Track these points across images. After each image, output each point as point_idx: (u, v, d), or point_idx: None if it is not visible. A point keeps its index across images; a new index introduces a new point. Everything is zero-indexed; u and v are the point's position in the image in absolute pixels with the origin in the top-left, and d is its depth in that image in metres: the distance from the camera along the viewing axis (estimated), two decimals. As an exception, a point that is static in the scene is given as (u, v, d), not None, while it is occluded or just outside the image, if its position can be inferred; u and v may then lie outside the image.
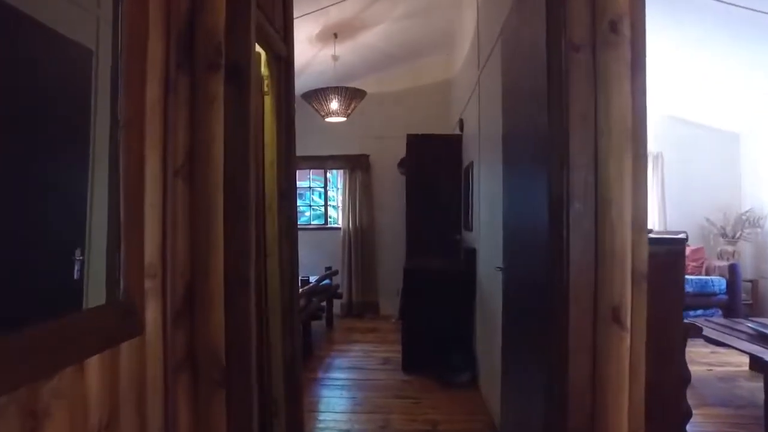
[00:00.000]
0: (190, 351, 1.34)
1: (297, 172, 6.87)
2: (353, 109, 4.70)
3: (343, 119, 4.79)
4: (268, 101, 2.58)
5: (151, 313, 1.23)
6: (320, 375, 3.99)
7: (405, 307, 4.36)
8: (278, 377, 2.59)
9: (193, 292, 1.33)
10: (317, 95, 4.41)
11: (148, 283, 1.22)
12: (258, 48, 2.49)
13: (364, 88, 4.88)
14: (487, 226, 3.55)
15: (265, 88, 2.57)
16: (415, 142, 5.33)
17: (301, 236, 6.86)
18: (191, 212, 1.33)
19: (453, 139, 5.24)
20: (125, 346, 1.13)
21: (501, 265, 2.20)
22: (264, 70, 2.58)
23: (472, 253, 4.08)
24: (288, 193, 2.68)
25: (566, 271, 1.32)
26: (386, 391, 3.65)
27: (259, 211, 2.56)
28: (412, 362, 4.13)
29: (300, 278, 4.87)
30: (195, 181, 1.33)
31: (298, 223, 7.00)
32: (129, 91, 1.11)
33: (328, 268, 5.99)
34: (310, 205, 7.18)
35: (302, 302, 4.29)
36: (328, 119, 4.72)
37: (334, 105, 4.50)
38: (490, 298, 3.27)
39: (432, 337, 4.11)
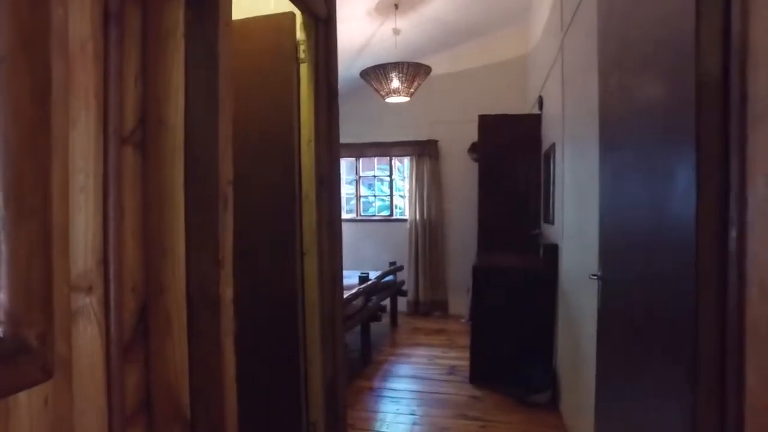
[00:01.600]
0: (147, 396, 0.95)
1: (361, 160, 6.53)
2: (417, 88, 4.21)
3: (406, 99, 4.31)
4: (304, 70, 2.16)
5: (86, 345, 0.85)
6: (377, 384, 3.59)
7: (475, 310, 3.84)
8: (317, 397, 2.19)
9: (148, 314, 0.94)
10: (376, 73, 3.98)
11: (79, 300, 0.84)
12: (290, 6, 2.09)
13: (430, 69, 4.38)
14: (572, 218, 2.94)
15: (301, 54, 2.16)
16: (487, 123, 4.74)
17: (366, 229, 6.53)
18: (145, 200, 0.93)
19: (531, 119, 4.60)
20: (23, 399, 0.75)
21: (597, 273, 1.64)
22: (299, 33, 2.18)
23: (553, 250, 3.47)
24: (329, 180, 2.27)
25: (738, 293, 0.78)
26: (451, 409, 3.17)
27: (295, 201, 2.17)
28: (482, 374, 3.61)
29: (359, 275, 4.51)
30: (149, 156, 0.94)
31: (364, 214, 6.67)
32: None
33: (393, 263, 5.57)
34: (375, 195, 6.80)
35: (360, 302, 3.90)
36: (390, 99, 4.27)
37: (396, 83, 4.04)
38: (577, 307, 2.67)
39: (504, 346, 3.56)
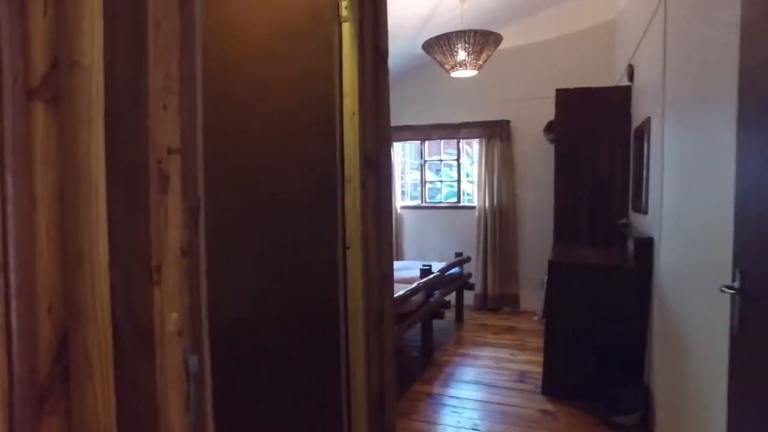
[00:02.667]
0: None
1: (427, 143, 6.15)
2: (486, 60, 3.76)
3: (473, 72, 3.87)
4: (347, 30, 1.83)
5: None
6: (436, 390, 3.24)
7: (550, 309, 3.38)
8: (361, 413, 1.89)
9: (69, 346, 0.65)
10: (440, 44, 3.57)
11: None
12: (330, -48, 1.76)
13: (502, 42, 3.90)
14: (675, 207, 2.41)
15: (343, 12, 1.83)
16: (566, 99, 4.19)
17: (431, 217, 6.13)
18: (61, 178, 0.64)
19: (618, 92, 4.00)
20: None
21: (732, 284, 1.19)
22: (342, -14, 1.84)
23: (646, 244, 2.93)
24: (377, 159, 1.93)
25: None
26: (520, 425, 2.77)
27: (336, 185, 1.85)
28: (556, 384, 3.16)
29: (421, 267, 4.17)
30: (63, 114, 0.65)
31: (429, 201, 6.29)
32: None
33: (459, 254, 5.17)
34: (441, 181, 6.39)
35: (420, 298, 3.56)
36: (455, 73, 3.85)
37: (462, 55, 3.62)
38: (686, 320, 2.17)
39: (585, 354, 3.09)
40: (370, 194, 1.89)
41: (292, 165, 1.92)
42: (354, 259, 1.87)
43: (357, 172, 1.84)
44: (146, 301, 0.66)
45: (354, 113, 1.82)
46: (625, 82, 3.93)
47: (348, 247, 1.88)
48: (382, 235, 1.96)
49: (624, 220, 3.79)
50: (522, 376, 3.46)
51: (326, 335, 1.87)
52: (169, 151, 0.71)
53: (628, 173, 3.84)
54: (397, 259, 6.00)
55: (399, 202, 6.25)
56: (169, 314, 0.70)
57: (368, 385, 1.87)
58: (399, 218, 6.22)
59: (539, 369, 3.33)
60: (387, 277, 1.98)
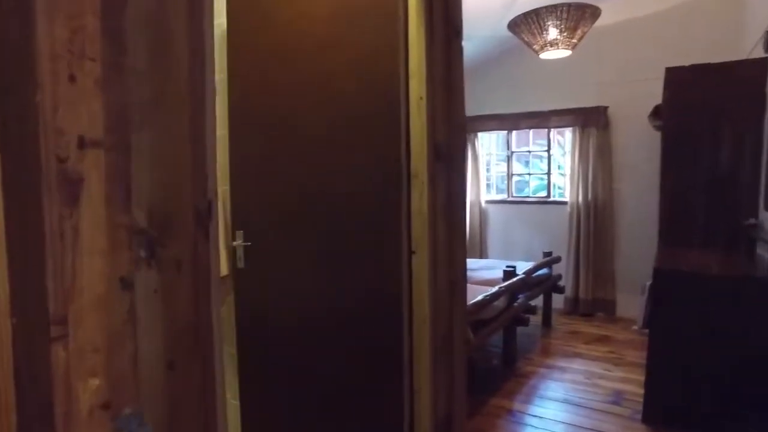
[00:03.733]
0: None
1: (514, 133, 5.72)
2: (581, 38, 3.32)
3: (566, 53, 3.44)
4: (413, 2, 1.59)
5: None
6: (517, 406, 2.92)
7: (654, 320, 2.93)
8: (426, 440, 1.66)
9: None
10: (527, 21, 3.20)
11: None
12: None
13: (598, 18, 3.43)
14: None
15: (409, -20, 1.59)
16: (679, 79, 3.62)
17: (518, 212, 5.67)
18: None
19: (748, 66, 3.37)
20: None
21: None
22: (408, -49, 1.60)
23: (785, 250, 2.40)
24: (449, 151, 1.68)
25: None
26: (617, 456, 2.39)
27: (400, 181, 1.63)
28: (662, 411, 2.72)
29: (504, 268, 3.83)
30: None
31: (517, 195, 5.87)
32: None
33: (548, 254, 4.74)
34: (530, 174, 5.93)
35: (502, 303, 3.24)
36: (545, 55, 3.45)
37: (553, 33, 3.22)
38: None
39: (700, 378, 2.62)
40: (439, 191, 1.65)
41: (351, 159, 1.72)
42: (420, 265, 1.64)
43: (424, 166, 1.60)
44: (43, 365, 0.48)
45: (421, 98, 1.58)
46: (759, 54, 3.30)
47: (414, 252, 1.65)
48: (453, 238, 1.71)
49: (753, 221, 3.19)
50: (617, 397, 3.03)
51: (387, 349, 1.66)
52: (82, 144, 0.53)
53: (759, 164, 3.22)
54: (481, 258, 5.67)
55: (484, 196, 5.89)
56: (85, 381, 0.52)
57: (434, 408, 1.64)
58: (483, 213, 5.87)
59: (639, 390, 2.89)
60: (458, 286, 1.73)
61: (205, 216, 0.85)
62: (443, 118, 1.64)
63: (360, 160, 1.69)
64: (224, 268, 2.35)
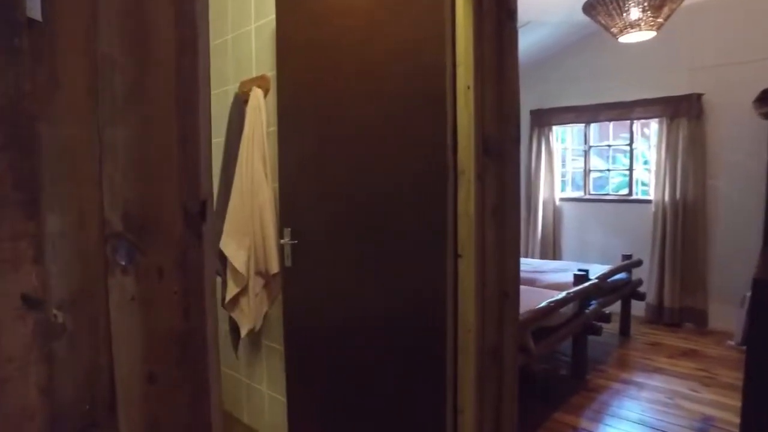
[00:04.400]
0: None
1: (592, 126, 5.32)
2: (668, 17, 2.96)
3: (651, 35, 3.09)
4: (460, -20, 1.44)
5: None
6: (584, 424, 2.67)
7: (753, 336, 2.54)
8: (471, 463, 1.52)
9: None
10: (604, 1, 2.90)
11: None
12: None
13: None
14: None
15: (456, -43, 1.45)
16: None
17: (595, 211, 5.27)
18: None
19: None
20: None
21: None
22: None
23: None
24: (499, 146, 1.53)
25: None
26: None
27: (445, 179, 1.50)
28: (762, 442, 2.36)
29: (575, 272, 3.54)
30: None
31: (594, 193, 5.46)
32: None
33: (627, 257, 4.35)
34: (610, 169, 5.49)
35: (570, 309, 2.99)
36: (624, 38, 3.11)
37: (635, 13, 2.89)
38: None
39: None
40: (488, 189, 1.50)
41: (396, 155, 1.61)
42: (467, 270, 1.49)
43: (471, 161, 1.46)
44: None
45: (469, 87, 1.44)
46: None
47: (460, 256, 1.51)
48: (505, 241, 1.55)
49: None
50: (705, 423, 2.69)
51: (430, 358, 1.54)
52: None
53: None
54: (553, 259, 5.34)
55: (558, 193, 5.55)
56: None
57: (480, 428, 1.50)
58: (557, 212, 5.53)
59: (733, 418, 2.55)
60: (510, 296, 1.57)
61: (197, 218, 0.77)
62: (493, 109, 1.48)
63: (404, 155, 1.58)
64: (275, 266, 2.34)
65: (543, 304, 2.62)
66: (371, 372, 1.77)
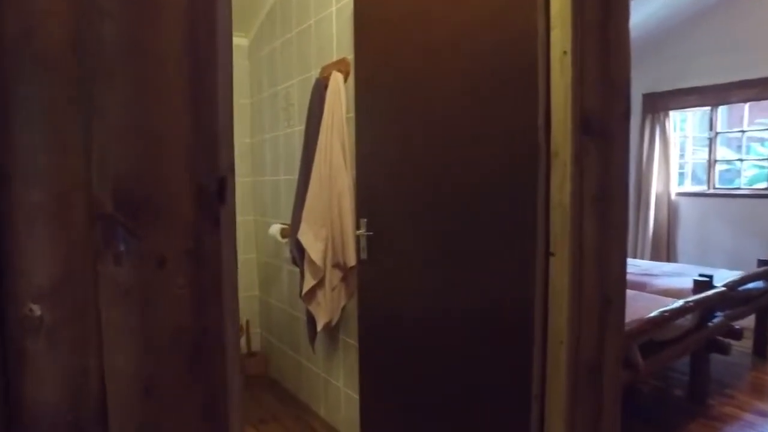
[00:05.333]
0: None
1: (720, 110, 4.62)
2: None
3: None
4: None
5: None
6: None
7: None
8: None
9: None
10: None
11: None
12: None
13: None
14: None
15: None
16: None
17: (721, 208, 4.57)
18: None
19: None
20: None
21: None
22: None
23: None
24: (603, 124, 1.27)
25: None
26: None
27: (535, 162, 1.28)
28: None
29: (696, 278, 3.04)
30: None
31: (720, 186, 4.75)
32: None
33: (765, 263, 3.70)
34: (742, 160, 4.74)
35: (689, 321, 2.56)
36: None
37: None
38: None
39: None
40: (588, 175, 1.24)
41: (478, 137, 1.42)
42: (560, 271, 1.26)
43: (568, 141, 1.21)
44: None
45: (565, 52, 1.20)
46: None
47: (552, 254, 1.28)
48: (608, 237, 1.29)
49: None
50: None
51: (513, 372, 1.33)
52: None
53: None
54: (667, 261, 4.73)
55: (674, 187, 4.91)
56: None
57: (571, 459, 1.26)
58: (673, 208, 4.90)
59: None
60: (614, 303, 1.30)
61: (213, 198, 0.65)
62: (596, 79, 1.22)
63: (490, 138, 1.38)
64: (353, 258, 2.23)
65: (655, 313, 2.25)
66: (447, 379, 1.59)
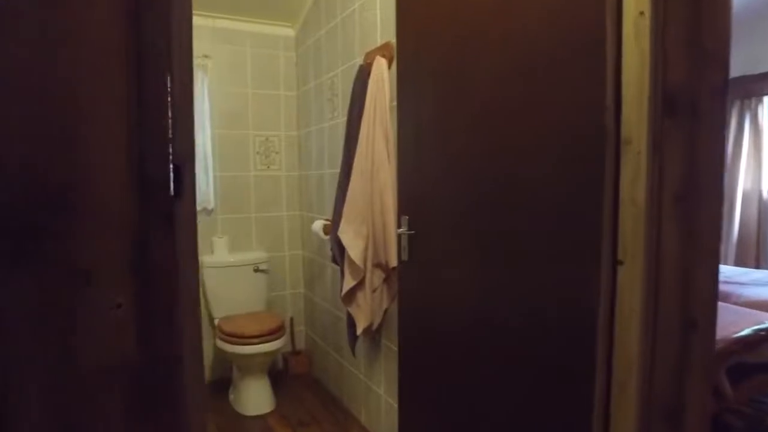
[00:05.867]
0: None
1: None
2: None
3: None
4: None
5: None
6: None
7: None
8: None
9: None
10: None
11: None
12: None
13: None
14: None
15: None
16: None
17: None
18: None
19: None
20: None
21: None
22: None
23: None
24: (693, 103, 1.03)
25: None
26: None
27: (602, 148, 1.06)
28: None
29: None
30: None
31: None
32: None
33: None
34: None
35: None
36: None
37: None
38: None
39: None
40: (670, 166, 1.01)
41: (533, 122, 1.21)
42: (630, 284, 1.03)
43: (644, 124, 0.99)
44: None
45: (642, 13, 0.97)
46: None
47: (620, 262, 1.05)
48: (693, 246, 1.05)
49: None
50: None
51: (567, 409, 1.12)
52: None
53: None
54: (756, 267, 4.21)
55: (766, 184, 4.36)
56: None
57: None
58: (764, 208, 4.35)
59: None
60: (700, 327, 1.06)
61: (163, 191, 0.51)
62: (683, 45, 0.98)
63: (547, 123, 1.16)
64: (395, 259, 2.07)
65: (747, 331, 1.92)
66: (489, 401, 1.39)
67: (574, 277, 1.12)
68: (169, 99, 0.50)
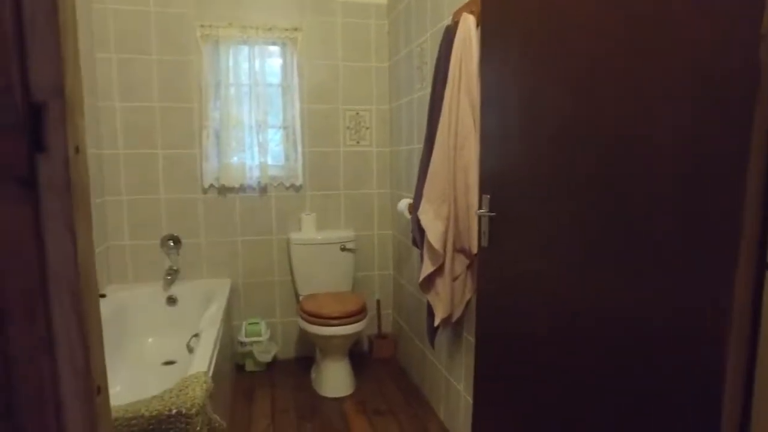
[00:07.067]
0: None
1: None
2: None
3: None
4: None
5: None
6: None
7: None
8: None
9: None
10: None
11: None
12: None
13: None
14: None
15: None
16: None
17: None
18: None
19: None
20: None
21: None
22: None
23: None
24: None
25: None
26: None
27: (742, 124, 0.74)
28: None
29: None
30: None
31: None
32: None
33: None
34: None
35: None
36: None
37: None
38: None
39: None
40: None
41: (642, 80, 0.90)
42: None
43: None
44: None
45: None
46: None
47: (770, 265, 0.74)
48: None
49: None
50: None
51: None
52: None
53: None
54: None
55: None
56: None
57: None
58: None
59: None
60: None
61: (17, 143, 0.35)
62: None
63: (664, 85, 0.86)
64: (474, 245, 1.83)
65: None
66: (578, 412, 1.13)
67: (699, 281, 0.82)
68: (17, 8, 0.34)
